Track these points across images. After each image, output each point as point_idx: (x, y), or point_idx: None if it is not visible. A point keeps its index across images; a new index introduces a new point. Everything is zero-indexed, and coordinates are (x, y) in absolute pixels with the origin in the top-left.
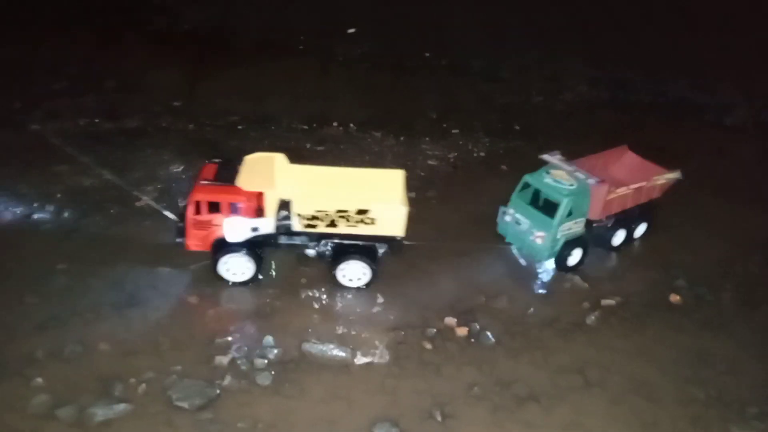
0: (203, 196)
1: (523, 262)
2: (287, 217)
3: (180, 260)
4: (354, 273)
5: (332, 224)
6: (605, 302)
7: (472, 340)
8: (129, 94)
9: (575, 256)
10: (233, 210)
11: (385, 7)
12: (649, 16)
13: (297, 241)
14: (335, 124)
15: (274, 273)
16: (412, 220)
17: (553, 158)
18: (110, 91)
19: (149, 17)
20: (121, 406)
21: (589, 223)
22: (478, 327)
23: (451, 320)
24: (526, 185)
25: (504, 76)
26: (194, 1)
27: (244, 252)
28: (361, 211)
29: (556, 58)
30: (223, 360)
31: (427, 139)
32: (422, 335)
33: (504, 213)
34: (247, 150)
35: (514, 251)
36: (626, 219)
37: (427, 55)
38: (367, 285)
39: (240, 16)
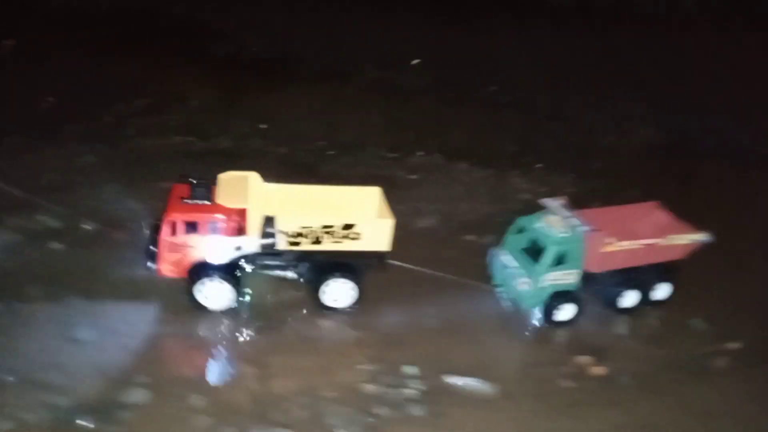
0: (179, 216)
1: (509, 305)
2: (272, 235)
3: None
4: (339, 293)
5: (317, 241)
6: (730, 346)
7: (607, 379)
8: (213, 114)
9: (565, 311)
10: (212, 230)
11: (445, 39)
12: (707, 62)
13: (279, 261)
14: (421, 153)
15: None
16: None
17: (554, 204)
18: (195, 110)
19: (214, 43)
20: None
21: (589, 277)
22: (612, 367)
23: (585, 359)
24: (520, 228)
25: (568, 115)
26: (257, 29)
27: (222, 276)
28: (348, 226)
29: (614, 99)
30: (371, 388)
31: (516, 172)
32: (558, 372)
33: (494, 255)
34: (342, 175)
35: (500, 294)
36: (639, 279)
37: (494, 89)
38: (354, 305)
39: (303, 45)
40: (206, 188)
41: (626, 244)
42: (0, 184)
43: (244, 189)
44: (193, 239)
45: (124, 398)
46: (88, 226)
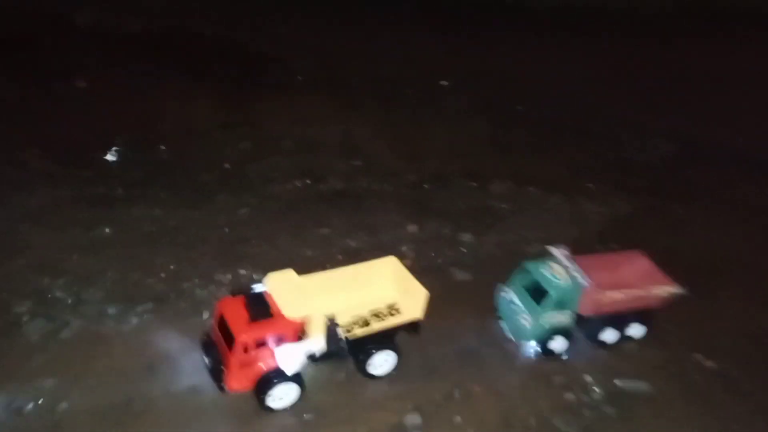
0: (249, 336)
1: (509, 336)
2: (337, 334)
3: None
4: (381, 362)
5: (365, 324)
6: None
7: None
8: (309, 154)
9: (558, 342)
10: (279, 341)
11: (465, 59)
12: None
13: (337, 350)
14: (495, 180)
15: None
16: None
17: (558, 252)
18: (292, 152)
19: (268, 69)
20: None
21: (581, 318)
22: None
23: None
24: (526, 271)
25: (596, 131)
26: (302, 51)
27: (290, 378)
28: (390, 305)
29: (632, 111)
30: None
31: (579, 194)
32: None
33: (501, 290)
34: (452, 211)
35: (502, 326)
36: (617, 319)
37: (519, 108)
38: (395, 369)
39: (342, 66)
40: (264, 304)
41: (615, 295)
42: None
43: (298, 295)
44: (262, 354)
45: None
46: None
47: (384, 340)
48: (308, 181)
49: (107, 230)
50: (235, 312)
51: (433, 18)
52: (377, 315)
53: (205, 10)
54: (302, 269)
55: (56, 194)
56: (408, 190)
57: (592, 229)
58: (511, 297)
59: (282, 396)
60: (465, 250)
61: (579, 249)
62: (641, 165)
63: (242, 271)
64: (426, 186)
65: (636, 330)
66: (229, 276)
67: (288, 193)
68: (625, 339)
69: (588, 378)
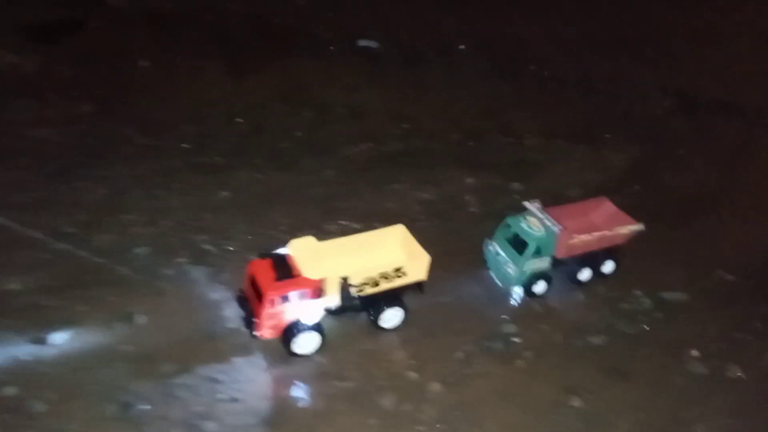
0: (276, 292)
1: (499, 284)
2: (349, 291)
3: None
4: (391, 317)
5: (376, 284)
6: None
7: None
8: (361, 119)
9: (539, 286)
10: (302, 296)
11: (481, 25)
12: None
13: (351, 305)
14: (527, 135)
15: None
16: None
17: (532, 206)
18: (347, 118)
19: (301, 41)
20: None
21: (557, 261)
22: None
23: None
24: (507, 225)
25: (603, 88)
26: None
27: (312, 328)
28: (397, 269)
29: (628, 67)
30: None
31: (600, 143)
32: None
33: (488, 244)
34: (494, 163)
35: (492, 275)
36: (591, 259)
37: (532, 68)
38: (403, 322)
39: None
40: (287, 265)
41: (584, 237)
42: None
43: (317, 258)
44: (287, 307)
45: None
46: None
47: (393, 297)
48: (371, 144)
49: (224, 193)
50: (264, 272)
51: None
52: (385, 276)
53: None
54: (386, 221)
55: (168, 164)
56: (455, 147)
57: (614, 173)
58: (496, 249)
59: (305, 344)
60: (518, 197)
61: (606, 191)
62: (644, 116)
63: (343, 222)
64: (470, 143)
65: (608, 267)
66: (333, 226)
67: (357, 155)
68: (598, 276)
69: (637, 291)
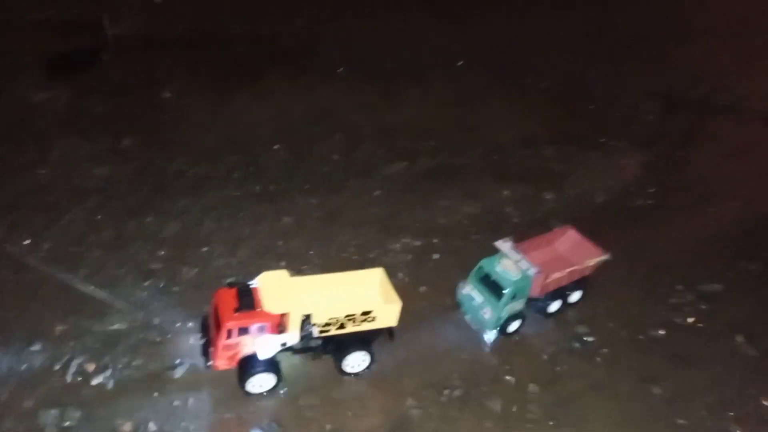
0: (234, 324)
1: (472, 326)
2: (310, 330)
3: None
4: (356, 361)
5: (341, 326)
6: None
7: None
8: (388, 138)
9: (513, 326)
10: (260, 331)
11: (469, 40)
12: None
13: (312, 344)
14: (544, 146)
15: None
16: None
17: (504, 246)
18: (376, 138)
19: (313, 64)
20: None
21: (530, 299)
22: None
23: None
24: (481, 268)
25: (595, 93)
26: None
27: (269, 368)
28: (365, 312)
29: (621, 73)
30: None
31: (609, 150)
32: None
33: (461, 287)
34: (532, 171)
35: (467, 318)
36: (561, 292)
37: (529, 80)
38: (368, 368)
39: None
40: (251, 297)
41: (557, 275)
42: None
43: (283, 292)
44: (244, 340)
45: None
46: None
47: (361, 341)
48: (405, 163)
49: (287, 218)
50: (227, 301)
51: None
52: (352, 319)
53: (221, 10)
54: (443, 236)
55: (227, 194)
56: (482, 160)
57: (628, 177)
58: (471, 293)
59: (261, 383)
60: (553, 205)
61: (628, 195)
62: (639, 121)
63: (405, 240)
64: (495, 156)
65: (575, 296)
66: (398, 245)
67: (397, 174)
68: (567, 305)
69: (679, 287)
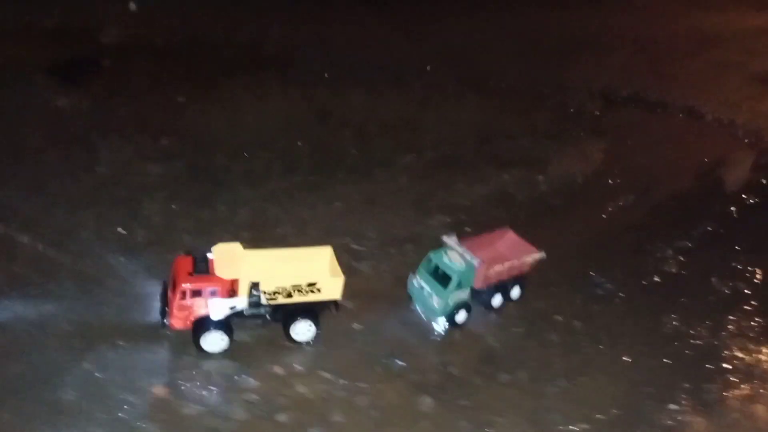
0: (188, 286)
1: (423, 317)
2: (257, 295)
3: None
4: (302, 329)
5: (289, 295)
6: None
7: None
8: (386, 136)
9: (461, 315)
10: (212, 294)
11: (430, 43)
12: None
13: (262, 311)
14: (524, 137)
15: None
16: None
17: (450, 241)
18: (380, 134)
19: (296, 68)
20: None
21: (473, 290)
22: None
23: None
24: (430, 260)
25: (548, 92)
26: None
27: (220, 328)
28: (311, 284)
29: (565, 70)
30: None
31: (571, 137)
32: None
33: (412, 279)
34: (516, 160)
35: (417, 309)
36: (502, 286)
37: (491, 82)
38: (313, 339)
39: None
40: (205, 262)
41: (498, 268)
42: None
43: (234, 261)
44: (198, 302)
45: None
46: None
47: (307, 312)
48: (414, 154)
49: (338, 203)
50: (183, 267)
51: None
52: (299, 289)
53: (192, 19)
54: (470, 214)
55: (276, 185)
56: (476, 150)
57: (596, 162)
58: (420, 284)
59: (214, 342)
60: (545, 186)
61: (603, 175)
62: (588, 115)
63: (438, 216)
64: (485, 147)
65: (515, 292)
66: (433, 221)
67: (411, 164)
68: (507, 300)
69: (660, 243)
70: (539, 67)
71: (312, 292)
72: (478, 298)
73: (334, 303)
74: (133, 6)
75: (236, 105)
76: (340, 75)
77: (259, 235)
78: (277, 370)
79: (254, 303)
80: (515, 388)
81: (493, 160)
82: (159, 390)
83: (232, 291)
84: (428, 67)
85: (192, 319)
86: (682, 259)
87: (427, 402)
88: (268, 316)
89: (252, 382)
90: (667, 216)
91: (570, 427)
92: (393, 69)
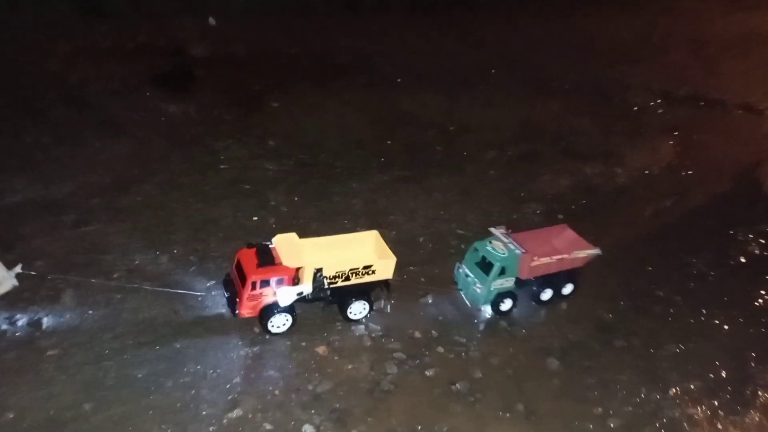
0: (257, 277)
1: (468, 303)
2: (321, 280)
3: None
4: (358, 309)
5: (347, 279)
6: None
7: None
8: (465, 134)
9: (506, 304)
10: (280, 283)
11: (494, 48)
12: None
13: (323, 295)
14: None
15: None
16: None
17: (497, 231)
18: (458, 134)
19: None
20: None
21: (520, 281)
22: None
23: None
24: (475, 249)
25: (609, 92)
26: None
27: (285, 311)
28: (367, 266)
29: (607, 68)
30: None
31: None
32: None
33: (458, 267)
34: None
35: (462, 295)
36: (552, 280)
37: (554, 83)
38: (367, 317)
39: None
40: (269, 254)
41: (545, 259)
42: None
43: (296, 250)
44: (267, 291)
45: None
46: None
47: (361, 292)
48: (496, 150)
49: (437, 194)
50: (249, 259)
51: (438, 20)
52: (356, 272)
53: (265, 31)
54: (557, 202)
55: (379, 179)
56: (552, 145)
57: (664, 156)
58: (465, 271)
59: (279, 324)
60: (624, 178)
61: (672, 169)
62: (649, 112)
63: (532, 206)
64: (561, 143)
65: (567, 289)
66: (528, 210)
67: (495, 159)
68: (558, 297)
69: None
70: (597, 68)
71: (367, 273)
72: (527, 291)
73: (386, 284)
74: (212, 20)
75: (325, 109)
76: (411, 80)
77: (375, 222)
78: (417, 334)
79: (318, 288)
80: (631, 352)
81: (572, 154)
82: (321, 349)
83: (296, 278)
84: (492, 71)
85: (260, 306)
86: (762, 241)
87: (554, 363)
88: (330, 298)
89: (398, 344)
90: (742, 202)
91: (686, 384)
92: (459, 73)
